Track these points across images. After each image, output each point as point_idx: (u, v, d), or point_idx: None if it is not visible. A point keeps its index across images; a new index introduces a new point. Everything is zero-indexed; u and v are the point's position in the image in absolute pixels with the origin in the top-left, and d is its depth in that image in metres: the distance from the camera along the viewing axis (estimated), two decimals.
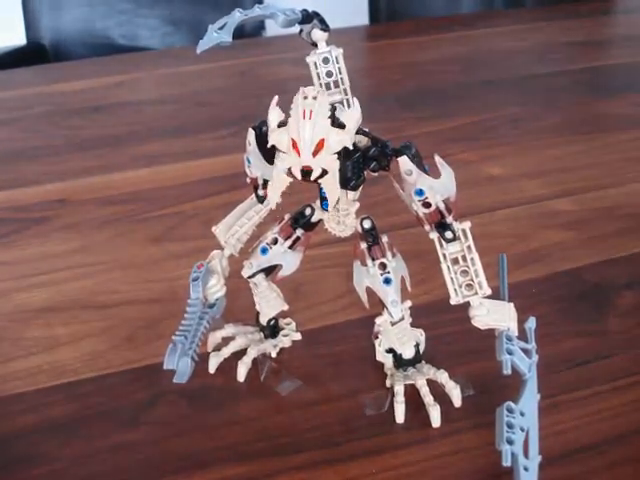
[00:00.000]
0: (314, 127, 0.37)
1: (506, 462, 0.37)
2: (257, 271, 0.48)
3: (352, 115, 0.39)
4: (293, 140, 0.38)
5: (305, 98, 0.38)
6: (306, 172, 0.38)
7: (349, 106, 0.46)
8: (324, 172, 0.38)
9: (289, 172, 0.39)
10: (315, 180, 0.39)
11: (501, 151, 0.86)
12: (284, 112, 0.39)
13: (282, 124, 0.39)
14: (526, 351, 0.42)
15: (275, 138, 0.39)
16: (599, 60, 1.22)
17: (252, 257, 0.48)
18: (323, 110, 0.37)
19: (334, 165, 0.38)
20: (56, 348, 0.54)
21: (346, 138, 0.38)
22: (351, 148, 0.39)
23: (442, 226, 0.41)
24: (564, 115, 0.97)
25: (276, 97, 0.40)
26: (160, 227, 0.72)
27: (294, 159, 0.38)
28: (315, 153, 0.38)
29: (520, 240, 0.66)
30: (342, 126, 0.38)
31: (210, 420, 0.46)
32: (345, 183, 0.41)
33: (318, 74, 0.47)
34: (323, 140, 0.37)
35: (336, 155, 0.38)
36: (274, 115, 0.39)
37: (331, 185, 0.39)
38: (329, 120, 0.38)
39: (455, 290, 0.42)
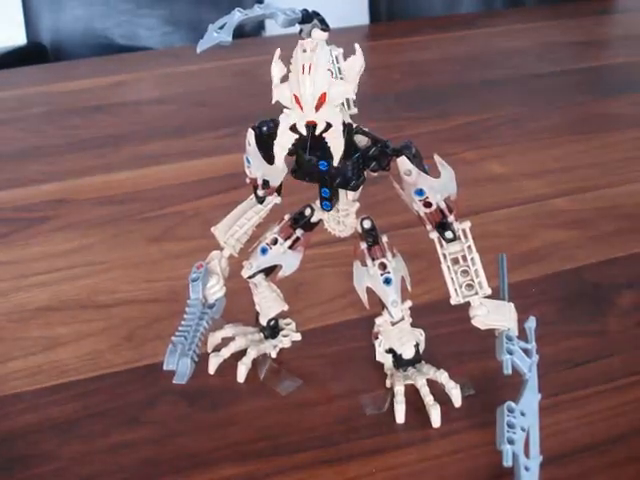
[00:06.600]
0: (314, 81, 0.37)
1: (507, 462, 0.37)
2: (257, 271, 0.48)
3: (353, 64, 0.38)
4: (295, 95, 0.37)
5: (304, 51, 0.37)
6: (310, 127, 0.38)
7: (349, 106, 0.45)
8: (328, 125, 0.38)
9: (294, 128, 0.39)
10: (320, 134, 0.38)
11: (501, 151, 0.86)
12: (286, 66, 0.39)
13: (285, 79, 0.38)
14: (526, 351, 0.42)
15: (278, 94, 0.38)
16: (599, 60, 1.22)
17: (252, 257, 0.47)
18: (322, 62, 0.37)
19: (338, 117, 0.38)
20: (56, 348, 0.54)
21: (348, 88, 0.38)
22: (353, 98, 0.38)
23: (443, 226, 0.41)
24: (564, 115, 0.97)
25: (278, 50, 0.39)
26: (160, 227, 0.71)
27: (298, 114, 0.38)
28: (318, 107, 0.37)
29: (520, 240, 0.66)
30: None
31: (210, 420, 0.46)
32: (345, 183, 0.41)
33: None
34: (325, 94, 0.37)
35: (339, 107, 0.38)
36: (277, 70, 0.39)
37: (336, 138, 0.38)
38: (329, 72, 0.37)
39: (455, 290, 0.42)
